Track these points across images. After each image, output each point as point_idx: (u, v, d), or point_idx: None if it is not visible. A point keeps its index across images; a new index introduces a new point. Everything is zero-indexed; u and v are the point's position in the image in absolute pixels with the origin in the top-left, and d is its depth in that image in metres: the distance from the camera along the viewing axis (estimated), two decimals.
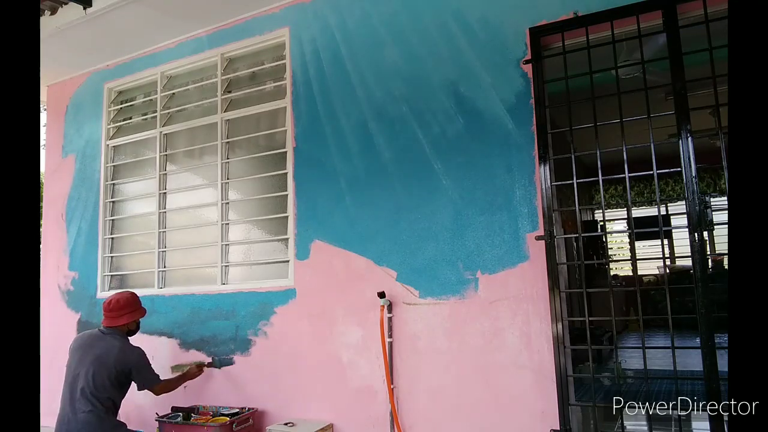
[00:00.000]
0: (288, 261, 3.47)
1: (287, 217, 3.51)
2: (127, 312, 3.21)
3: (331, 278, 3.28)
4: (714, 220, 2.40)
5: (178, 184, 4.13)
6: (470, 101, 2.99)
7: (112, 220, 4.37)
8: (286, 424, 3.09)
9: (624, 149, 2.59)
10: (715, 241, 7.03)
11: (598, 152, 2.63)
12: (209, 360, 3.56)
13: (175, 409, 3.40)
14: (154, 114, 4.25)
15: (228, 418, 3.14)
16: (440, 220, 2.99)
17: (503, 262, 2.81)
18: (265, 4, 3.70)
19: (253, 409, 3.31)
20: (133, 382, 3.14)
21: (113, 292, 4.20)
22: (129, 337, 3.24)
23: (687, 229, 2.40)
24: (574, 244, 5.61)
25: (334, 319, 3.24)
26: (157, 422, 3.28)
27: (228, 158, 3.86)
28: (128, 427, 3.08)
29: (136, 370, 3.10)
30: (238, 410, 3.28)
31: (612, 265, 8.78)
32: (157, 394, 3.20)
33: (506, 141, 2.87)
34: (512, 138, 2.85)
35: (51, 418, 4.24)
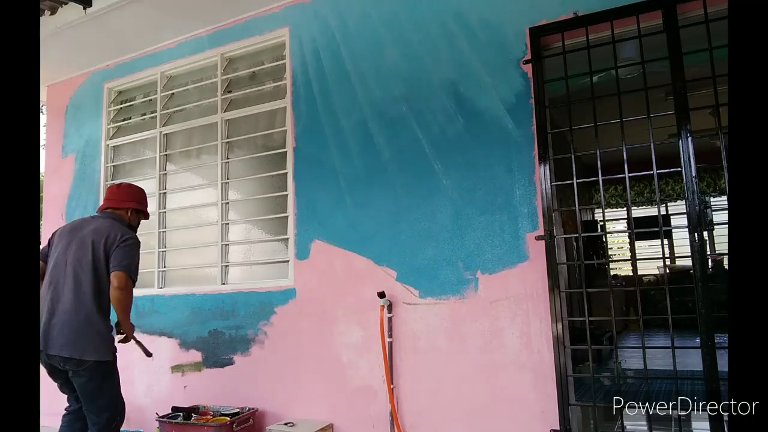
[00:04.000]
0: (288, 261, 3.47)
1: (287, 217, 3.51)
2: (136, 200, 2.85)
3: (331, 278, 3.28)
4: (714, 220, 2.40)
5: (178, 184, 4.13)
6: (470, 101, 2.99)
7: None
8: (286, 424, 3.09)
9: (624, 149, 2.59)
10: (715, 241, 7.03)
11: (598, 152, 2.63)
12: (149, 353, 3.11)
13: (175, 409, 3.40)
14: (154, 114, 4.25)
15: (228, 418, 3.14)
16: (440, 220, 2.99)
17: (503, 262, 2.81)
18: (265, 4, 3.70)
19: (253, 409, 3.31)
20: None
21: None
22: None
23: (687, 229, 2.40)
24: (574, 244, 5.60)
25: (334, 319, 3.24)
26: (157, 422, 3.28)
27: (228, 158, 3.86)
28: (128, 428, 3.03)
29: (124, 245, 2.60)
30: (238, 410, 3.28)
31: (612, 265, 8.78)
32: (119, 287, 2.56)
33: (506, 141, 2.87)
34: (512, 138, 2.85)
35: (51, 418, 4.24)
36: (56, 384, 2.69)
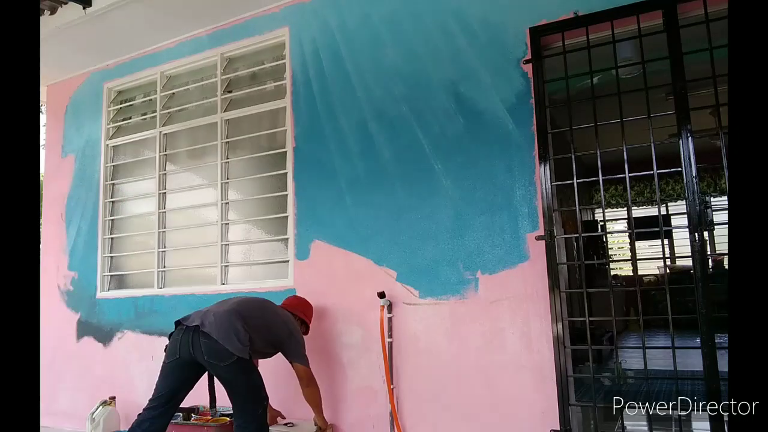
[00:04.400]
0: (288, 261, 3.47)
1: (287, 217, 3.51)
2: (307, 313, 3.10)
3: (331, 278, 3.28)
4: (714, 220, 2.40)
5: (177, 184, 4.13)
6: (470, 101, 2.99)
7: (112, 220, 4.37)
8: (286, 424, 3.08)
9: (624, 149, 2.59)
10: (715, 241, 7.02)
11: (598, 152, 2.63)
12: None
13: None
14: (154, 114, 4.25)
15: (228, 419, 3.14)
16: (440, 220, 2.99)
17: (503, 262, 2.81)
18: (265, 4, 3.70)
19: None
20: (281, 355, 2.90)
21: (113, 292, 4.22)
22: None
23: (687, 229, 2.40)
24: (574, 244, 5.60)
25: (334, 319, 3.23)
26: None
27: (228, 158, 3.86)
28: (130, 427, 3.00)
29: (289, 336, 2.84)
30: None
31: (612, 265, 8.78)
32: (302, 380, 2.85)
33: (506, 141, 2.87)
34: (512, 138, 2.85)
35: (51, 418, 4.25)
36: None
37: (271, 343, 2.84)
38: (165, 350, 2.69)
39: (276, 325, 2.84)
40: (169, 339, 2.70)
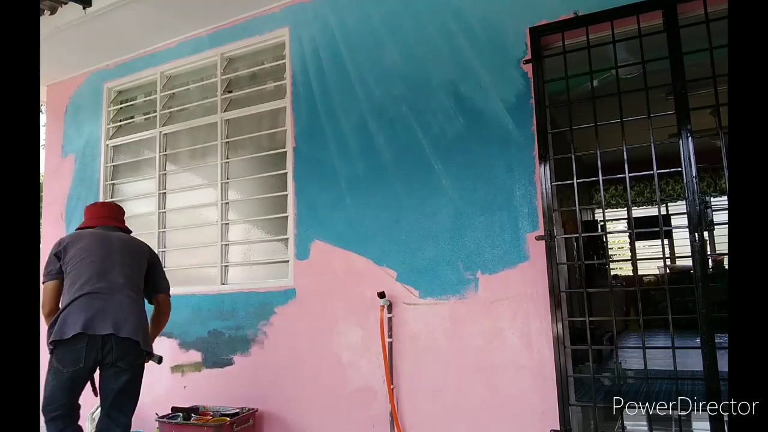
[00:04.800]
0: (288, 261, 3.47)
1: (287, 217, 3.51)
2: (123, 221, 2.92)
3: (331, 278, 3.28)
4: (714, 220, 2.40)
5: (177, 184, 4.13)
6: (470, 101, 2.99)
7: None
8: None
9: (624, 149, 2.59)
10: (715, 241, 7.03)
11: (598, 152, 2.63)
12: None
13: (175, 409, 3.39)
14: (154, 114, 4.25)
15: (228, 419, 3.14)
16: (440, 220, 2.99)
17: (503, 262, 2.81)
18: (265, 3, 3.70)
19: (253, 409, 3.31)
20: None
21: None
22: None
23: (687, 229, 2.40)
24: (574, 244, 5.60)
25: (334, 319, 3.24)
26: (157, 422, 3.28)
27: (228, 158, 3.86)
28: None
29: (159, 265, 2.80)
30: (238, 410, 3.28)
31: (612, 265, 8.78)
32: (165, 306, 2.81)
33: (506, 141, 2.87)
34: (512, 138, 2.85)
35: None
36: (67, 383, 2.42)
37: (143, 287, 2.71)
38: (56, 358, 2.39)
39: (144, 268, 2.70)
40: (62, 346, 2.38)
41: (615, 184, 7.91)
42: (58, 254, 2.59)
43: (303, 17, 3.59)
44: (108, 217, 2.84)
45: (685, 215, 2.43)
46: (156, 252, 2.85)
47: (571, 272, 4.83)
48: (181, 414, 3.32)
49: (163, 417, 3.28)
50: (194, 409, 3.37)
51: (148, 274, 2.73)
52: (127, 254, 2.65)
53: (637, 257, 2.65)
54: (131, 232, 2.94)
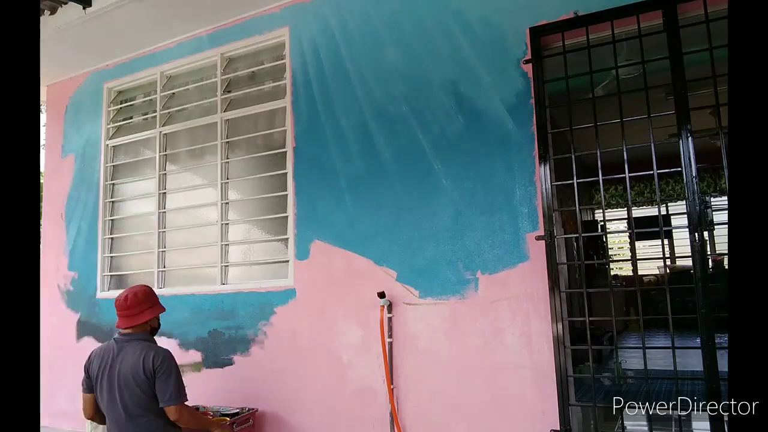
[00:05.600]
0: (288, 261, 3.47)
1: (287, 217, 3.51)
2: (148, 307, 2.76)
3: (331, 278, 3.28)
4: (714, 220, 2.40)
5: (177, 183, 4.13)
6: (470, 101, 2.99)
7: (112, 220, 4.37)
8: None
9: (624, 149, 2.59)
10: (715, 241, 7.03)
11: (598, 152, 2.63)
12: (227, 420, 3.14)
13: None
14: (154, 114, 4.25)
15: (228, 419, 3.14)
16: (440, 220, 2.99)
17: (503, 262, 2.81)
18: (265, 3, 3.70)
19: (253, 409, 3.31)
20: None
21: (113, 292, 4.21)
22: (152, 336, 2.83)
23: (687, 229, 2.40)
24: (574, 244, 5.61)
25: (334, 319, 3.24)
26: None
27: (228, 158, 3.86)
28: None
29: (161, 372, 2.57)
30: (238, 410, 3.28)
31: (612, 265, 8.78)
32: (179, 420, 2.60)
33: (506, 141, 2.87)
34: (512, 138, 2.85)
35: (51, 419, 4.25)
36: None
37: (152, 406, 2.62)
38: None
39: (145, 387, 2.58)
40: None
41: (615, 184, 7.92)
42: (86, 368, 2.75)
43: (303, 17, 3.59)
44: (124, 316, 2.75)
45: (685, 215, 2.43)
46: (166, 356, 2.65)
47: (571, 272, 4.83)
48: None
49: None
50: (195, 409, 3.37)
51: (152, 387, 2.60)
52: (124, 383, 2.60)
53: (637, 257, 2.65)
54: (149, 324, 2.79)
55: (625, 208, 8.66)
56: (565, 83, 2.70)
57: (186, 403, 2.63)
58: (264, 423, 3.32)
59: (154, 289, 3.97)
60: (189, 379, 3.69)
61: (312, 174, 3.43)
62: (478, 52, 2.99)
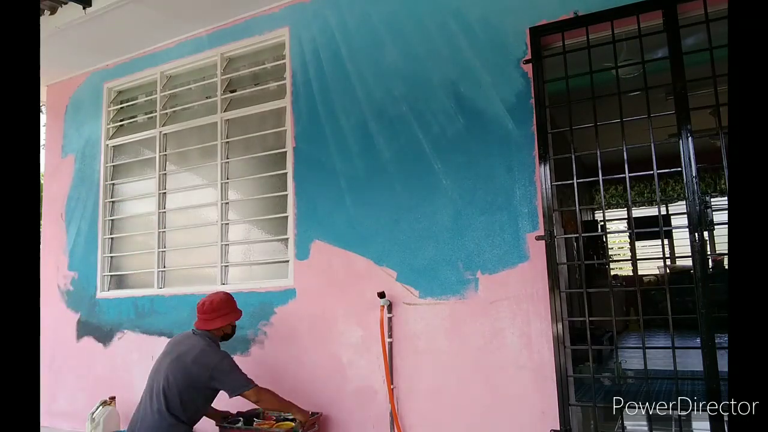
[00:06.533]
0: (288, 261, 3.47)
1: (287, 217, 3.51)
2: (222, 314, 2.98)
3: (331, 278, 3.28)
4: (714, 220, 2.40)
5: (177, 183, 4.13)
6: (470, 101, 2.99)
7: (112, 220, 4.37)
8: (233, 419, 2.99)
9: (624, 149, 2.59)
10: (715, 241, 7.03)
11: (598, 152, 2.63)
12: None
13: (236, 414, 3.15)
14: (154, 114, 4.25)
15: (293, 423, 2.94)
16: (440, 220, 2.99)
17: (503, 262, 2.81)
18: (265, 3, 3.70)
19: (318, 413, 3.08)
20: (222, 392, 2.87)
21: (113, 292, 4.22)
22: (224, 341, 3.07)
23: (687, 229, 2.40)
24: (575, 244, 5.61)
25: (334, 319, 3.23)
26: (217, 427, 3.06)
27: (228, 158, 3.86)
28: None
29: (218, 372, 2.79)
30: (318, 412, 3.07)
31: (612, 265, 8.79)
32: (260, 401, 2.84)
33: (506, 141, 2.87)
34: (512, 138, 2.85)
35: (51, 418, 4.25)
36: None
37: (208, 396, 2.91)
38: None
39: (199, 378, 2.80)
40: None
41: (615, 184, 7.92)
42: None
43: (303, 17, 3.59)
44: (199, 319, 3.02)
45: (685, 215, 2.42)
46: (225, 355, 2.89)
47: (571, 272, 4.83)
48: (242, 419, 3.07)
49: (223, 421, 3.07)
50: (255, 414, 3.17)
51: (207, 383, 2.83)
52: (172, 369, 2.84)
53: (637, 257, 2.65)
54: (221, 330, 3.04)
55: (625, 208, 8.66)
56: (565, 83, 2.70)
57: (253, 389, 2.82)
58: (329, 428, 3.21)
59: (154, 289, 3.98)
60: None
61: (312, 174, 3.43)
62: (478, 52, 2.99)
